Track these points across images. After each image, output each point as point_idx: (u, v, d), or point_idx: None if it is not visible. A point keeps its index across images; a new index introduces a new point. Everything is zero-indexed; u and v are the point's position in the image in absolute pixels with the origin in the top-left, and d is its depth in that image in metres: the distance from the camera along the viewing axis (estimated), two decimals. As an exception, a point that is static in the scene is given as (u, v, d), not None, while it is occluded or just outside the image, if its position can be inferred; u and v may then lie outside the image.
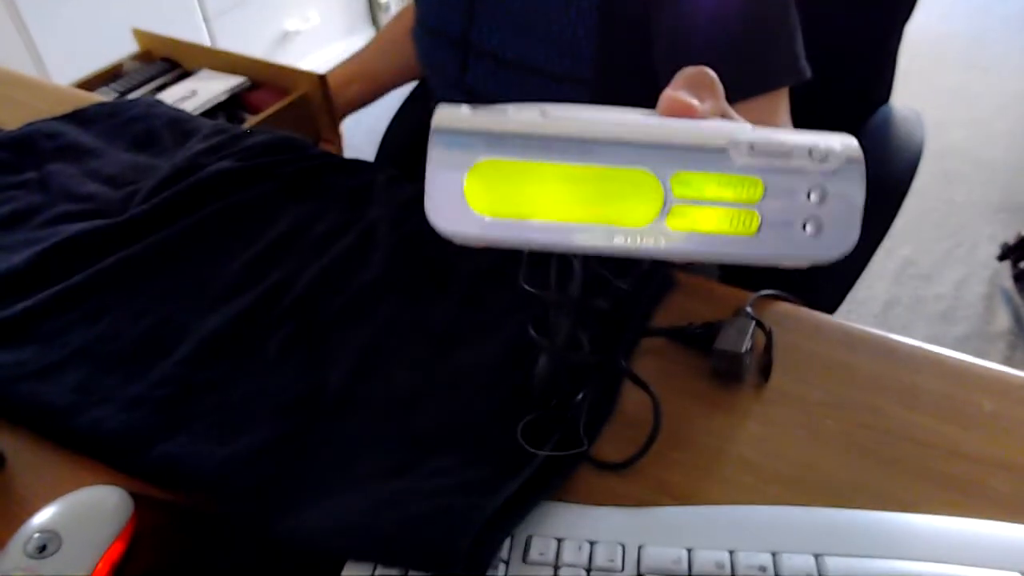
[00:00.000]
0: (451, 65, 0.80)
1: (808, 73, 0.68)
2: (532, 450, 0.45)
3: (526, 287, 0.44)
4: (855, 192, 0.29)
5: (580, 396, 0.47)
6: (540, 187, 0.29)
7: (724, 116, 0.38)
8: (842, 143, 0.30)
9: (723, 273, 0.87)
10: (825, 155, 0.29)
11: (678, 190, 0.29)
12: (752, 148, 0.29)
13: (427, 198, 0.30)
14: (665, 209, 0.29)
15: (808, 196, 0.29)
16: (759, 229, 0.29)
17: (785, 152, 0.29)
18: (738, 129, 0.30)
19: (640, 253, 0.30)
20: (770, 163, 0.29)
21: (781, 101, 0.68)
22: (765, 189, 0.29)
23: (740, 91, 0.66)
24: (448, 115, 0.30)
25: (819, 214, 0.29)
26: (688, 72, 0.37)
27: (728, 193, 0.29)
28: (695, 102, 0.34)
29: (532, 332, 0.45)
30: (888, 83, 0.91)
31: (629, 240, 0.30)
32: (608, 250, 0.30)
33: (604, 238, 0.30)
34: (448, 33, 0.79)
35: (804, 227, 0.29)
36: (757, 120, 0.66)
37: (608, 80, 0.71)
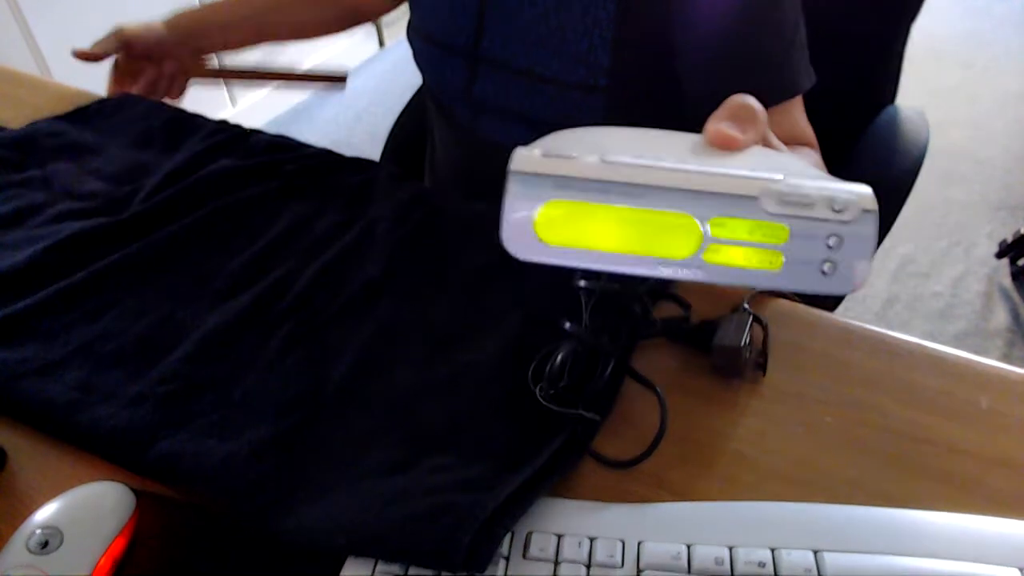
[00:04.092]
0: (457, 76, 0.79)
1: (815, 77, 0.69)
2: (550, 405, 0.47)
3: (578, 284, 0.50)
4: (868, 240, 0.33)
5: (601, 370, 0.49)
6: (598, 223, 0.34)
7: (765, 142, 0.41)
8: (859, 194, 0.33)
9: None
10: (844, 206, 0.33)
11: (715, 231, 0.34)
12: (780, 198, 0.33)
13: (503, 228, 0.35)
14: (703, 246, 0.34)
15: (827, 242, 0.33)
16: (783, 266, 0.34)
17: (809, 203, 0.33)
18: (771, 177, 0.34)
19: (681, 279, 0.35)
20: (795, 212, 0.33)
21: (798, 105, 0.70)
22: (790, 234, 0.33)
23: (762, 100, 0.67)
24: (524, 158, 0.35)
25: (835, 257, 0.33)
26: (731, 103, 0.39)
27: (757, 236, 0.34)
28: (738, 135, 0.37)
29: (566, 322, 0.50)
30: (894, 84, 0.92)
31: (671, 271, 0.35)
32: (654, 277, 0.35)
33: (650, 268, 0.35)
34: (454, 45, 0.77)
35: (822, 267, 0.33)
36: (776, 125, 0.67)
37: (622, 89, 0.71)
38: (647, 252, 0.34)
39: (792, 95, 0.69)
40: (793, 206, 0.33)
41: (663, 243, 0.34)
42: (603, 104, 0.71)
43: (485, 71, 0.76)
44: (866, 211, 0.33)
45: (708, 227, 0.34)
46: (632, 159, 0.35)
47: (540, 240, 0.35)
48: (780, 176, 0.34)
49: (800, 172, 0.35)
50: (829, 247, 0.33)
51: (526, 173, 0.35)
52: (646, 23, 0.68)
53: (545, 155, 0.35)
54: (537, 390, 0.48)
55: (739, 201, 0.33)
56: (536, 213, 0.35)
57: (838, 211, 0.33)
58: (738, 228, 0.34)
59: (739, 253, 0.34)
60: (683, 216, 0.34)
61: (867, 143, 0.87)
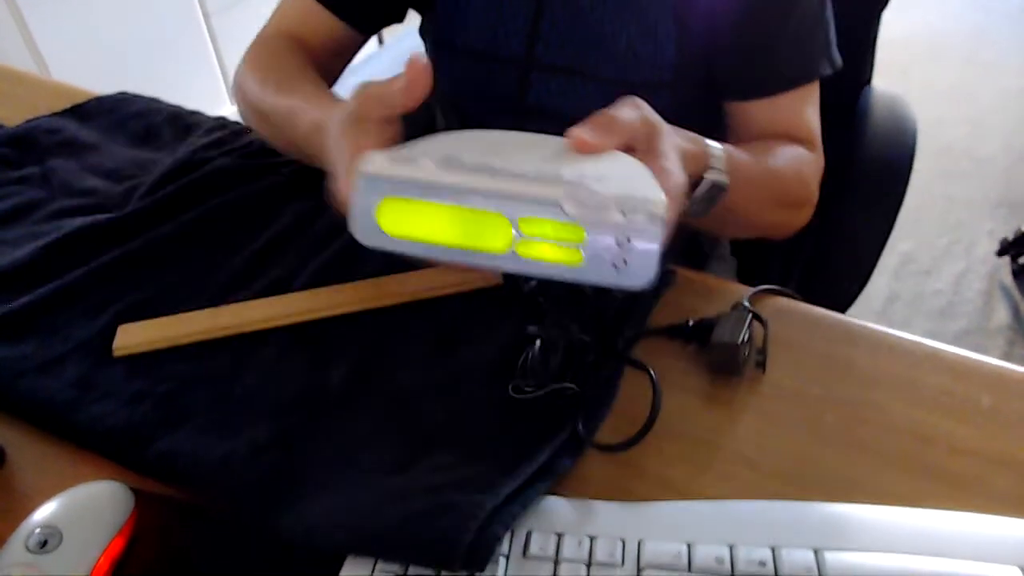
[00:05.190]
0: (506, 85, 0.75)
1: (839, 62, 0.69)
2: (521, 396, 0.49)
3: (527, 285, 0.52)
4: (653, 242, 0.37)
5: (580, 356, 0.50)
6: (429, 219, 0.39)
7: (650, 146, 0.44)
8: (651, 200, 0.37)
9: (739, 267, 0.87)
10: (634, 210, 0.37)
11: (524, 229, 0.38)
12: (578, 202, 0.37)
13: (350, 219, 0.40)
14: (515, 241, 0.38)
15: (616, 243, 0.37)
16: (583, 262, 0.37)
17: (602, 207, 0.37)
18: (574, 182, 0.38)
19: (499, 270, 0.40)
20: (590, 214, 0.37)
21: (805, 98, 0.69)
22: (586, 234, 0.37)
23: (784, 83, 0.68)
24: (371, 160, 0.40)
25: (625, 257, 0.37)
26: (597, 114, 0.43)
27: (560, 234, 0.37)
28: (590, 139, 0.42)
29: (530, 326, 0.51)
30: (869, 66, 0.94)
31: (489, 262, 0.39)
32: (476, 267, 0.39)
33: (472, 258, 0.39)
34: (503, 54, 0.74)
35: (614, 265, 0.37)
36: (775, 113, 0.67)
37: (687, 82, 0.69)
38: (470, 245, 0.39)
39: (800, 83, 0.68)
40: (588, 209, 0.37)
41: (483, 238, 0.38)
42: (668, 100, 0.68)
43: (540, 78, 0.74)
44: (653, 215, 0.37)
45: (519, 225, 0.38)
46: (468, 162, 0.39)
47: (382, 231, 0.39)
48: (590, 181, 0.38)
49: (629, 177, 0.39)
50: (619, 246, 0.37)
51: (369, 174, 0.39)
52: (701, 16, 0.67)
53: (391, 159, 0.40)
54: (510, 388, 0.49)
55: (542, 203, 0.37)
56: (376, 208, 0.39)
57: (627, 215, 0.37)
58: (543, 227, 0.37)
59: (546, 249, 0.38)
60: (497, 216, 0.38)
61: (854, 125, 0.87)
